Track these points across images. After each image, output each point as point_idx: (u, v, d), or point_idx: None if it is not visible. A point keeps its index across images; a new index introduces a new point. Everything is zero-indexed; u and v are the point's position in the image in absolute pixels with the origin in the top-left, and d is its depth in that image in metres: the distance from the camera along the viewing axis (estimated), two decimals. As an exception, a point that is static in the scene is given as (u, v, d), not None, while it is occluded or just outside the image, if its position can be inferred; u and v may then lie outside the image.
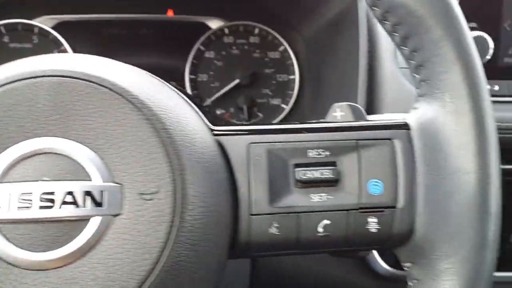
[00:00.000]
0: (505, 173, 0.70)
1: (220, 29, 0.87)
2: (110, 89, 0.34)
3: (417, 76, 0.41)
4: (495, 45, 0.68)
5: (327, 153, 0.39)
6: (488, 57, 0.67)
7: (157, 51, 0.88)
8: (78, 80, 0.34)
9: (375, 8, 0.41)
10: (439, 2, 0.39)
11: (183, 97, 0.41)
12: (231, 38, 0.87)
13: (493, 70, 0.69)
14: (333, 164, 0.39)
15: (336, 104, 0.49)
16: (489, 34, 0.68)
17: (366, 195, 0.38)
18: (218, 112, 0.86)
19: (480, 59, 0.67)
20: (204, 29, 0.87)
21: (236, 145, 0.39)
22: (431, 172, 0.38)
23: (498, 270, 0.73)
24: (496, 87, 0.69)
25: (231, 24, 0.87)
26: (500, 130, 0.67)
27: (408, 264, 0.39)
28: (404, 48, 0.41)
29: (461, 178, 0.37)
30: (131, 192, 0.33)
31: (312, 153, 0.39)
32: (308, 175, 0.39)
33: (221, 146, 0.39)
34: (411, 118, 0.40)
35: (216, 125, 0.41)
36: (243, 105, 0.85)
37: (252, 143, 0.39)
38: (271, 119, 0.86)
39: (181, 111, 0.37)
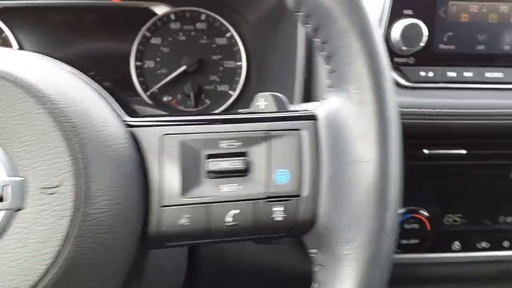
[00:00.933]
0: (443, 158, 0.73)
1: (166, 15, 0.86)
2: (14, 83, 0.35)
3: (327, 67, 0.42)
4: (430, 32, 0.70)
5: (238, 143, 0.40)
6: (422, 44, 0.68)
7: (103, 37, 0.87)
8: None
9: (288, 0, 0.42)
10: None
11: (95, 89, 0.41)
12: (178, 24, 0.87)
13: (428, 57, 0.71)
14: (243, 154, 0.40)
15: (259, 94, 0.50)
16: (424, 21, 0.69)
17: (273, 184, 0.40)
18: (165, 99, 0.86)
19: (414, 46, 0.69)
20: (151, 15, 0.87)
21: (150, 136, 0.40)
22: (335, 162, 0.39)
23: (433, 251, 0.77)
24: (431, 74, 0.71)
25: (177, 10, 0.87)
26: (431, 116, 0.69)
27: (314, 251, 0.41)
28: (315, 39, 0.42)
29: (362, 167, 0.38)
30: (33, 186, 0.34)
31: (223, 144, 0.40)
32: (219, 166, 0.40)
33: (134, 138, 0.40)
34: (320, 109, 0.42)
35: (132, 116, 0.41)
36: (189, 92, 0.85)
37: (165, 134, 0.40)
38: (219, 105, 0.87)
39: (89, 103, 0.38)
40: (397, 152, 0.39)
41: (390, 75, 0.41)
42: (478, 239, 0.78)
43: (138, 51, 0.85)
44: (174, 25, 0.87)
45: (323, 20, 0.41)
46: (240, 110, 0.48)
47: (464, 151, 0.71)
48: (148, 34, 0.86)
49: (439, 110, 0.68)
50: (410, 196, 0.75)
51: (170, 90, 0.86)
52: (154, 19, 0.86)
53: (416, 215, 0.72)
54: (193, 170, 0.40)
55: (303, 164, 0.40)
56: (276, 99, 0.50)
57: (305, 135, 0.40)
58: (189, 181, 0.39)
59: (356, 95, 0.40)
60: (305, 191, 0.40)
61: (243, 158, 0.40)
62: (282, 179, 0.40)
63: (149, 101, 0.85)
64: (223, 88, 0.87)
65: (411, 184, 0.75)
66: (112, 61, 0.86)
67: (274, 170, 0.40)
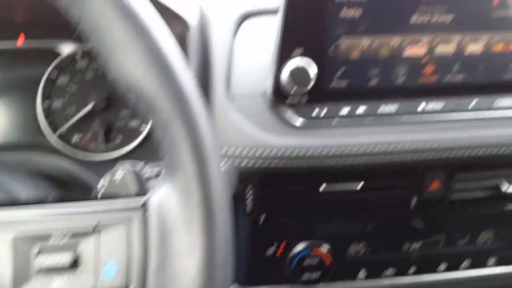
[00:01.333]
0: (341, 192, 0.73)
1: (71, 54, 0.85)
2: None
3: (160, 152, 0.42)
4: (321, 69, 0.70)
5: (68, 237, 0.40)
6: (311, 84, 0.68)
7: (11, 81, 0.86)
8: None
9: (118, 82, 0.42)
10: (169, 85, 0.40)
11: None
12: (85, 62, 0.86)
13: (321, 95, 0.71)
14: (72, 248, 0.40)
15: (119, 164, 0.50)
16: (315, 59, 0.69)
17: (101, 279, 0.40)
18: (75, 139, 0.86)
19: (303, 87, 0.69)
20: (57, 55, 0.85)
21: None
22: (162, 252, 0.40)
23: (337, 281, 0.78)
24: (324, 112, 0.71)
25: (84, 47, 0.86)
26: (324, 157, 0.69)
27: None
28: (149, 122, 0.42)
29: (187, 259, 0.39)
30: None
31: (53, 239, 0.40)
32: (47, 262, 0.40)
33: None
34: (153, 197, 0.42)
35: None
36: (99, 130, 0.85)
37: None
38: (130, 141, 0.86)
39: None
40: (224, 242, 0.40)
41: (216, 163, 0.41)
42: (384, 266, 0.79)
43: (44, 93, 0.84)
44: (81, 63, 0.86)
45: (149, 109, 0.41)
46: (92, 195, 0.48)
47: (359, 187, 0.72)
48: (54, 75, 0.85)
49: (330, 151, 0.69)
50: (309, 231, 0.76)
51: (80, 129, 0.86)
52: (58, 59, 0.85)
53: (314, 251, 0.73)
54: (23, 268, 0.40)
55: (132, 256, 0.40)
56: (133, 172, 0.50)
57: (135, 225, 0.41)
58: (19, 279, 0.39)
59: (182, 184, 0.40)
60: (132, 284, 0.40)
61: (73, 252, 0.40)
62: (110, 273, 0.40)
63: (57, 144, 0.84)
64: (134, 124, 0.87)
65: (311, 219, 0.76)
66: (20, 105, 0.85)
67: (102, 263, 0.40)
